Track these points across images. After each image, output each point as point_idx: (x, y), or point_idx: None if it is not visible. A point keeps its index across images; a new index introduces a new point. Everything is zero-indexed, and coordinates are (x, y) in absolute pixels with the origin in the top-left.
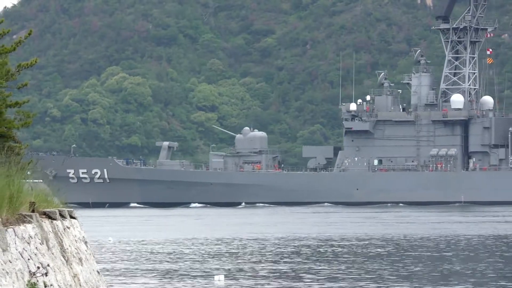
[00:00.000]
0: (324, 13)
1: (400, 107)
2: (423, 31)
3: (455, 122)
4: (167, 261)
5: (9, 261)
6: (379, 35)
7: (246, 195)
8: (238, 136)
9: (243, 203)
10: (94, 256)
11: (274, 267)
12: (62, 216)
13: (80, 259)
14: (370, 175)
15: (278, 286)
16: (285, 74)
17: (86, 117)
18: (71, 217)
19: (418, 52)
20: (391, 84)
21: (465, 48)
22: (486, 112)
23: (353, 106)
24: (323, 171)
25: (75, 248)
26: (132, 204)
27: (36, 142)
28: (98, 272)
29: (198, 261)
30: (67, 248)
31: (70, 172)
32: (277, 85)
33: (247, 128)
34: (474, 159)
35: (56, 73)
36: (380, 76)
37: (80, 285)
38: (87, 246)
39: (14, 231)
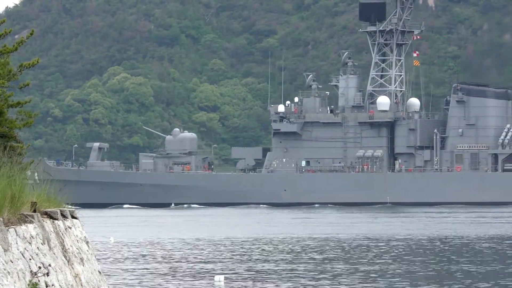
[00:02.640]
0: (326, 14)
1: (328, 109)
2: (425, 32)
3: (381, 124)
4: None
5: (11, 261)
6: None
7: (176, 196)
8: (168, 137)
9: (173, 204)
10: (95, 256)
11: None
12: (64, 216)
13: (82, 259)
14: (298, 176)
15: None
16: (287, 75)
17: (88, 117)
18: (73, 217)
19: (345, 54)
20: (319, 86)
21: (392, 51)
22: (412, 114)
23: (281, 108)
24: (252, 172)
25: (77, 248)
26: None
27: (38, 142)
28: (100, 272)
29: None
30: (69, 248)
31: None
32: (279, 85)
33: (177, 129)
34: (399, 160)
35: (58, 73)
36: (308, 78)
37: (81, 285)
38: (88, 246)
39: (16, 231)
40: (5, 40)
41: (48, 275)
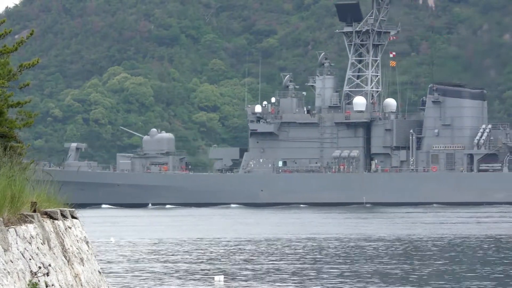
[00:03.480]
0: (326, 14)
1: (305, 109)
2: (425, 32)
3: (358, 124)
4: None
5: (11, 261)
6: None
7: (153, 196)
8: (145, 137)
9: (150, 204)
10: (95, 256)
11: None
12: (64, 216)
13: (82, 259)
14: (275, 177)
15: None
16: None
17: (88, 117)
18: (73, 217)
19: (322, 55)
20: (296, 87)
21: (368, 51)
22: (388, 114)
23: (258, 108)
24: (229, 172)
25: (77, 248)
26: None
27: (38, 142)
28: (100, 272)
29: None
30: (69, 248)
31: None
32: (279, 85)
33: (154, 129)
34: (376, 160)
35: (58, 73)
36: (285, 78)
37: (81, 285)
38: (88, 246)
39: (16, 231)
40: (5, 40)
41: (48, 275)
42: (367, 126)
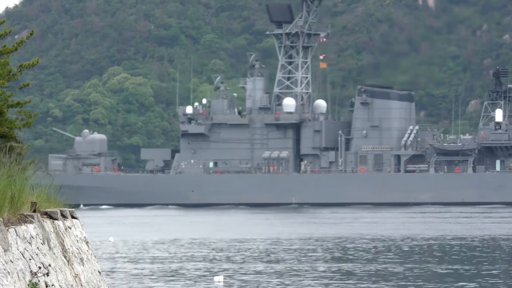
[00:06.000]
0: (326, 14)
1: (236, 110)
2: (425, 32)
3: (287, 125)
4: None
5: (11, 261)
6: (381, 36)
7: (85, 197)
8: (77, 138)
9: (81, 205)
10: (95, 256)
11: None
12: (64, 216)
13: (82, 259)
14: (205, 177)
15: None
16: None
17: (87, 117)
18: (73, 217)
19: (252, 56)
20: (227, 88)
21: (298, 53)
22: (317, 115)
23: (189, 109)
24: (160, 173)
25: (77, 248)
26: None
27: (38, 142)
28: (100, 272)
29: None
30: (69, 248)
31: None
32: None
33: (86, 130)
34: (305, 161)
35: (57, 73)
36: (216, 80)
37: (81, 285)
38: (88, 246)
39: (16, 231)
40: (5, 40)
41: (48, 275)
42: (297, 128)
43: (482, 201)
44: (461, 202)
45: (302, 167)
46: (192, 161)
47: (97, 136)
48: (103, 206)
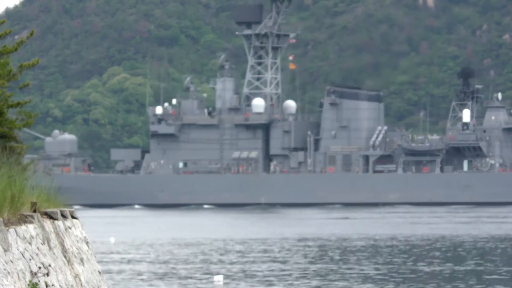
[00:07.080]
0: (326, 14)
1: (206, 111)
2: (425, 32)
3: (257, 126)
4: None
5: (11, 261)
6: (381, 36)
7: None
8: (47, 139)
9: None
10: (95, 256)
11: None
12: (64, 216)
13: (82, 259)
14: (175, 178)
15: None
16: (287, 75)
17: (87, 117)
18: (73, 217)
19: (222, 57)
20: (198, 89)
21: (267, 54)
22: (287, 116)
23: (159, 110)
24: (130, 173)
25: (77, 248)
26: None
27: (37, 142)
28: (100, 272)
29: None
30: (69, 248)
31: None
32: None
33: (56, 131)
34: (274, 162)
35: (57, 74)
36: (186, 80)
37: (81, 285)
38: (88, 246)
39: (16, 231)
40: (5, 40)
41: (48, 275)
42: (266, 128)
43: (449, 201)
44: (428, 202)
45: (272, 168)
46: (162, 161)
47: (67, 136)
48: (76, 207)
